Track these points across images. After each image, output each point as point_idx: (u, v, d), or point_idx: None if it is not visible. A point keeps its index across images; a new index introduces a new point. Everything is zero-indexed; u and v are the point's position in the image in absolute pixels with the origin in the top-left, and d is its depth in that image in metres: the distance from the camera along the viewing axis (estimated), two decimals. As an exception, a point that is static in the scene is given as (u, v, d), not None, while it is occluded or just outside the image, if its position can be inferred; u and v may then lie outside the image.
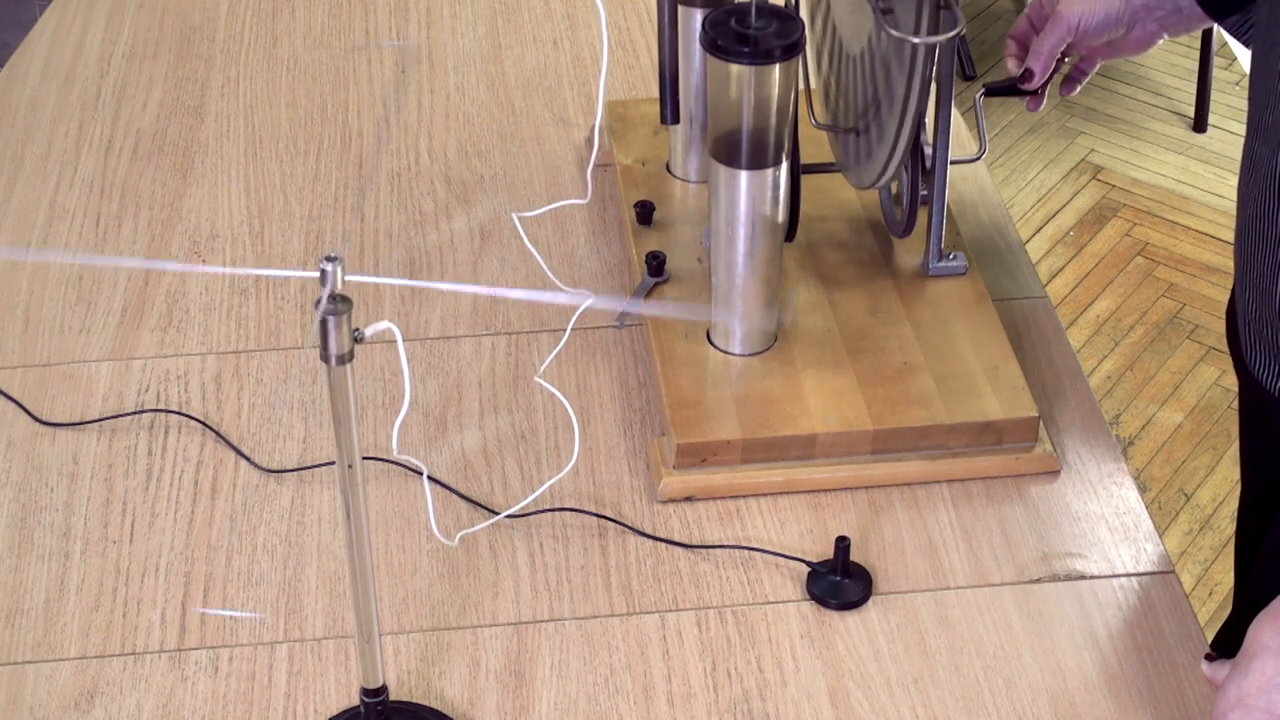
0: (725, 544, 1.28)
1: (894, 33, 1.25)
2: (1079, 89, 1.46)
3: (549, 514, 1.30)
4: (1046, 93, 1.42)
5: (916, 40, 1.24)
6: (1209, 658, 1.14)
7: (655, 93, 1.76)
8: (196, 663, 1.20)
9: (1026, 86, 1.39)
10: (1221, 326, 1.47)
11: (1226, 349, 1.41)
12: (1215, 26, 1.40)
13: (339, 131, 1.73)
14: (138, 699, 1.17)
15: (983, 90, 1.43)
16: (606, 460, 1.35)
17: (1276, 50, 1.16)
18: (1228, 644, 1.17)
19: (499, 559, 1.27)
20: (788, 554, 1.27)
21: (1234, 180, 3.27)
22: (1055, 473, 1.34)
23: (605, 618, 1.23)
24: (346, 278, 0.92)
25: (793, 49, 1.25)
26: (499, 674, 1.19)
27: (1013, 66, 1.43)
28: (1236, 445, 1.53)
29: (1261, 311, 1.24)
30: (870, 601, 1.24)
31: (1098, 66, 1.47)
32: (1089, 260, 3.11)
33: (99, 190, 1.65)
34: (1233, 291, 1.38)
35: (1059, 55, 1.40)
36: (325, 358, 0.95)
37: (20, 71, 1.83)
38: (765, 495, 1.32)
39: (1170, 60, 3.61)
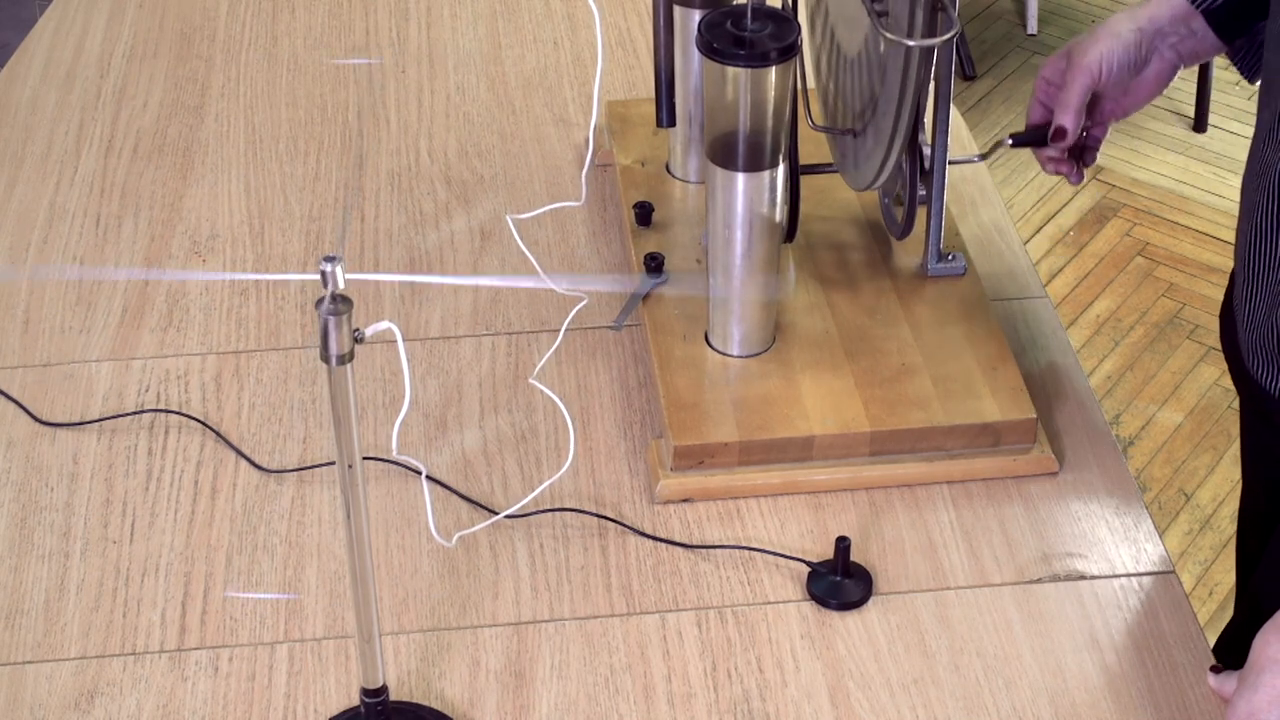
0: (725, 544, 1.28)
1: (889, 35, 1.25)
2: (1096, 157, 1.42)
3: (549, 514, 1.30)
4: (1084, 171, 1.40)
5: (911, 43, 1.24)
6: (1215, 670, 1.14)
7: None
8: (196, 663, 1.20)
9: (1061, 144, 1.35)
10: (1221, 327, 1.47)
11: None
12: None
13: (339, 131, 1.73)
14: (138, 699, 1.18)
15: (1009, 140, 1.38)
16: (607, 460, 1.35)
17: None
18: (1231, 649, 1.17)
19: (499, 559, 1.28)
20: (788, 554, 1.27)
21: (1235, 180, 3.27)
22: (1053, 474, 1.34)
23: (605, 618, 1.23)
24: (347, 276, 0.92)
25: (789, 51, 1.25)
26: (499, 674, 1.19)
27: (1037, 118, 1.39)
28: (1236, 445, 1.53)
29: (1265, 316, 1.24)
30: (870, 602, 1.24)
31: (1109, 133, 1.44)
32: (1089, 260, 3.11)
33: (99, 190, 1.65)
34: (1226, 297, 1.38)
35: (1086, 112, 1.37)
36: (325, 358, 0.95)
37: (20, 71, 1.83)
38: (764, 496, 1.32)
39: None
